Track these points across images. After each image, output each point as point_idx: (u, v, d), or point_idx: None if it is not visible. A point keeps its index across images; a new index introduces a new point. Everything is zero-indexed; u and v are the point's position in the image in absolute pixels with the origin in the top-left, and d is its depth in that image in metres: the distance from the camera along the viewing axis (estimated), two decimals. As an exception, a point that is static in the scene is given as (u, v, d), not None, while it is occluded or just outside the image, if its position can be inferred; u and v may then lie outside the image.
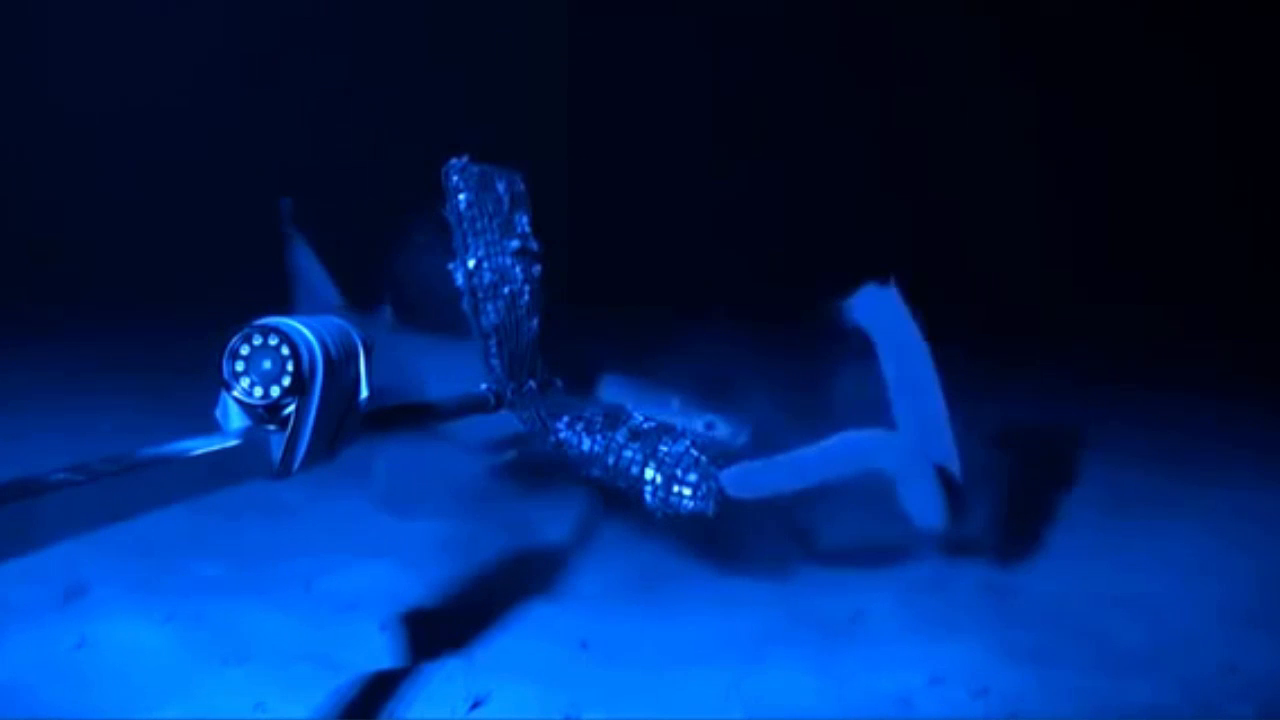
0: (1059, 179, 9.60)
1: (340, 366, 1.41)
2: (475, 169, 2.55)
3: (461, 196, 2.51)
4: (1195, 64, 9.55)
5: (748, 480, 2.33)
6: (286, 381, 1.32)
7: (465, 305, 2.54)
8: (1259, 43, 9.15)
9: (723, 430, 2.79)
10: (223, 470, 1.28)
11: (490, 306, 2.51)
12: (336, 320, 1.49)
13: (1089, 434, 4.29)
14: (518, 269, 2.57)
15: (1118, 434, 4.47)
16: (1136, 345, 6.78)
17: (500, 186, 2.60)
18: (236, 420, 1.36)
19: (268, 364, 1.32)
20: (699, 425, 2.78)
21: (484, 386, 2.49)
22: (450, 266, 2.54)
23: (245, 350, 1.33)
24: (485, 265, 2.51)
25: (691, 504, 2.35)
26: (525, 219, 2.64)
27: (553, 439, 2.56)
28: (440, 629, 2.25)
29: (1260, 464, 4.04)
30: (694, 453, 2.41)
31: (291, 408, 1.35)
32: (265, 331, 1.33)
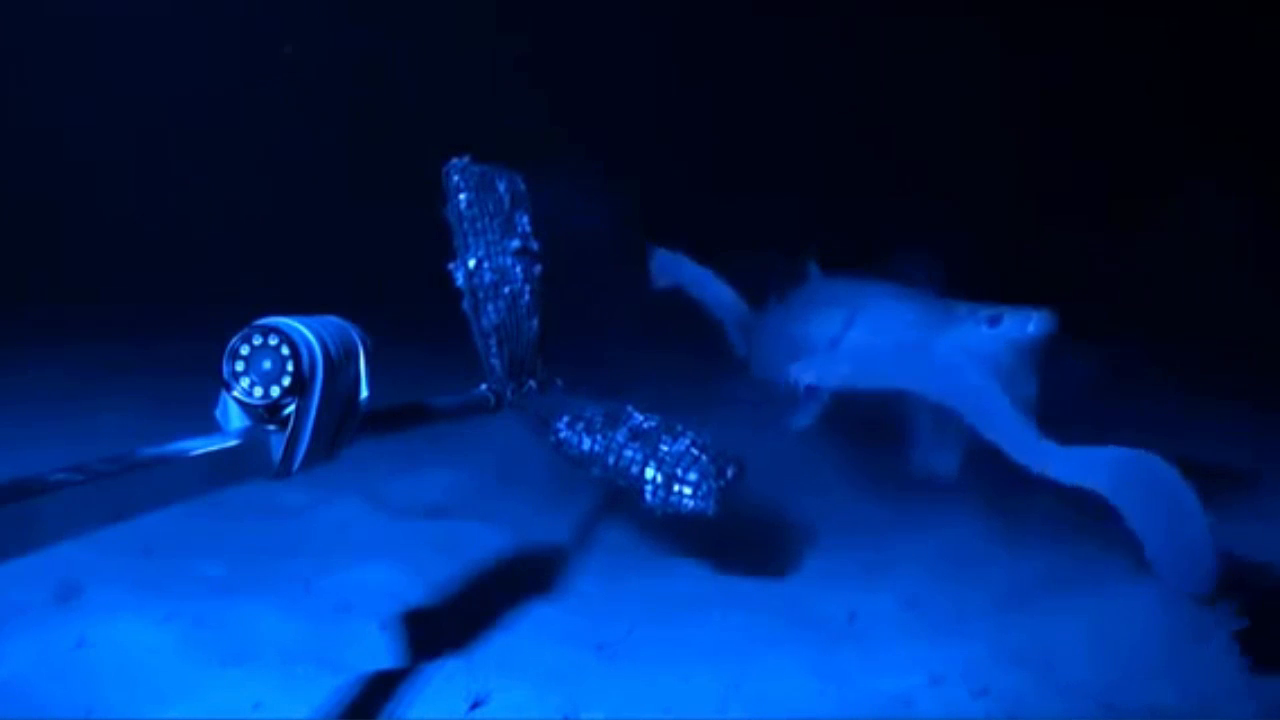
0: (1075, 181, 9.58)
1: (340, 366, 1.41)
2: (476, 168, 2.56)
3: (462, 196, 2.51)
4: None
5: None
6: (286, 381, 1.32)
7: (465, 305, 2.54)
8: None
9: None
10: (223, 470, 1.28)
11: (490, 306, 2.51)
12: (336, 320, 1.49)
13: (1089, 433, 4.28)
14: (518, 269, 2.57)
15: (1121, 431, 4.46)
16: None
17: (501, 186, 2.60)
18: (236, 420, 1.36)
19: (268, 364, 1.33)
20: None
21: (484, 387, 2.49)
22: (450, 266, 2.54)
23: (245, 350, 1.33)
24: (486, 265, 2.51)
25: (692, 503, 2.35)
26: (526, 219, 2.64)
27: (553, 439, 2.57)
28: (440, 629, 2.25)
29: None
30: (694, 452, 2.41)
31: (291, 408, 1.35)
32: (265, 331, 1.33)
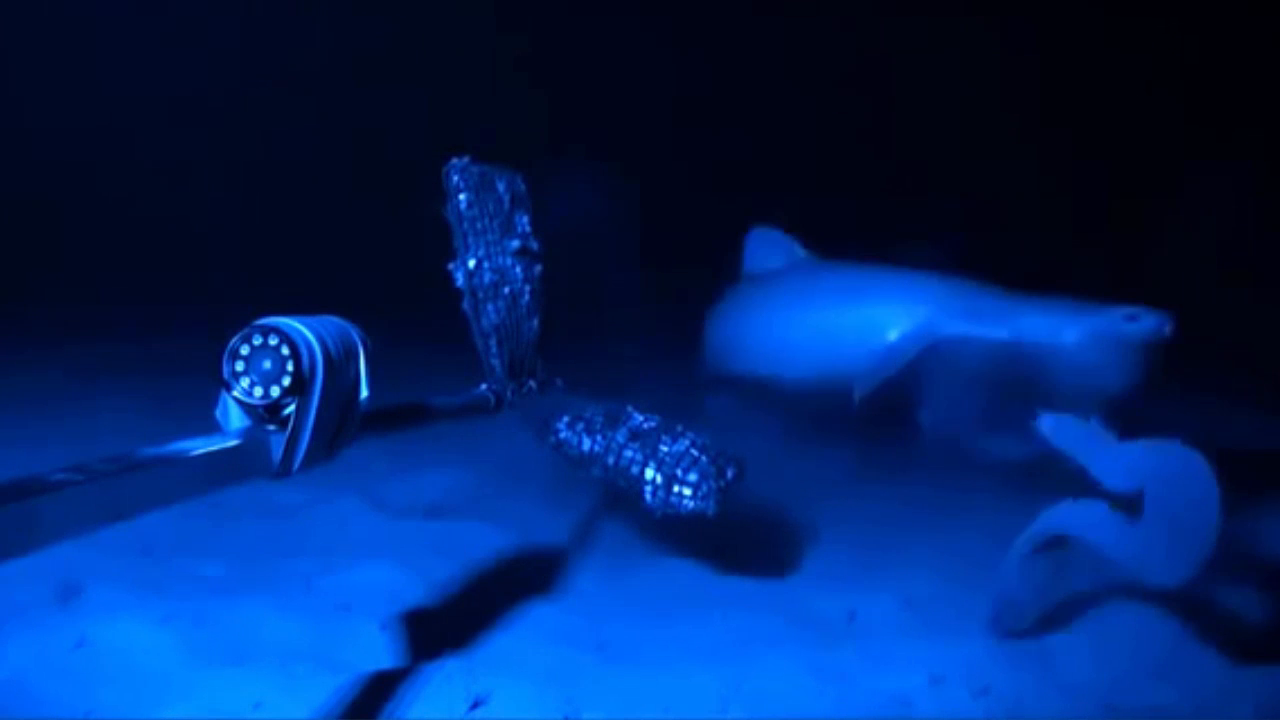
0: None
1: (340, 366, 1.41)
2: (476, 169, 2.56)
3: (462, 196, 2.51)
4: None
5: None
6: (286, 381, 1.32)
7: (465, 305, 2.54)
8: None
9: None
10: (223, 470, 1.28)
11: (490, 306, 2.51)
12: (336, 320, 1.49)
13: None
14: (518, 269, 2.57)
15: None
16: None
17: (500, 186, 2.60)
18: (236, 420, 1.36)
19: (268, 364, 1.32)
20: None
21: (484, 387, 2.49)
22: (450, 266, 2.54)
23: (245, 350, 1.33)
24: (485, 265, 2.51)
25: (691, 504, 2.35)
26: (525, 219, 2.64)
27: (553, 439, 2.57)
28: (440, 629, 2.26)
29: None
30: (694, 452, 2.41)
31: (291, 408, 1.35)
32: (265, 331, 1.33)
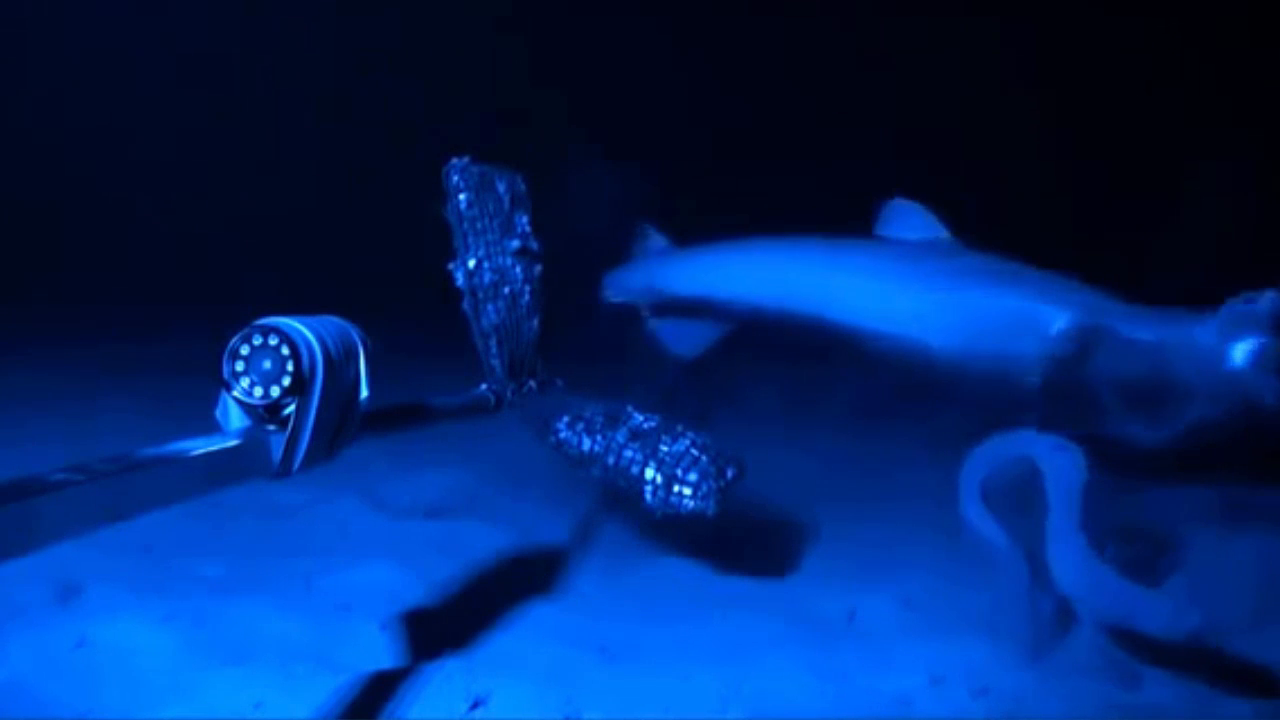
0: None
1: (340, 366, 1.41)
2: (476, 169, 2.56)
3: (462, 196, 2.51)
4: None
5: None
6: (286, 381, 1.32)
7: (465, 305, 2.54)
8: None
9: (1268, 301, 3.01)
10: (223, 470, 1.28)
11: (490, 307, 2.51)
12: (336, 320, 1.49)
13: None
14: (518, 269, 2.57)
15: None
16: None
17: (500, 186, 2.60)
18: (236, 420, 1.36)
19: (268, 364, 1.33)
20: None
21: (484, 387, 2.49)
22: (450, 266, 2.54)
23: (245, 350, 1.33)
24: (485, 265, 2.52)
25: (691, 504, 2.35)
26: (525, 219, 2.64)
27: (553, 439, 2.57)
28: (440, 629, 2.26)
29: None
30: (694, 452, 2.41)
31: (291, 408, 1.35)
32: (265, 331, 1.33)
